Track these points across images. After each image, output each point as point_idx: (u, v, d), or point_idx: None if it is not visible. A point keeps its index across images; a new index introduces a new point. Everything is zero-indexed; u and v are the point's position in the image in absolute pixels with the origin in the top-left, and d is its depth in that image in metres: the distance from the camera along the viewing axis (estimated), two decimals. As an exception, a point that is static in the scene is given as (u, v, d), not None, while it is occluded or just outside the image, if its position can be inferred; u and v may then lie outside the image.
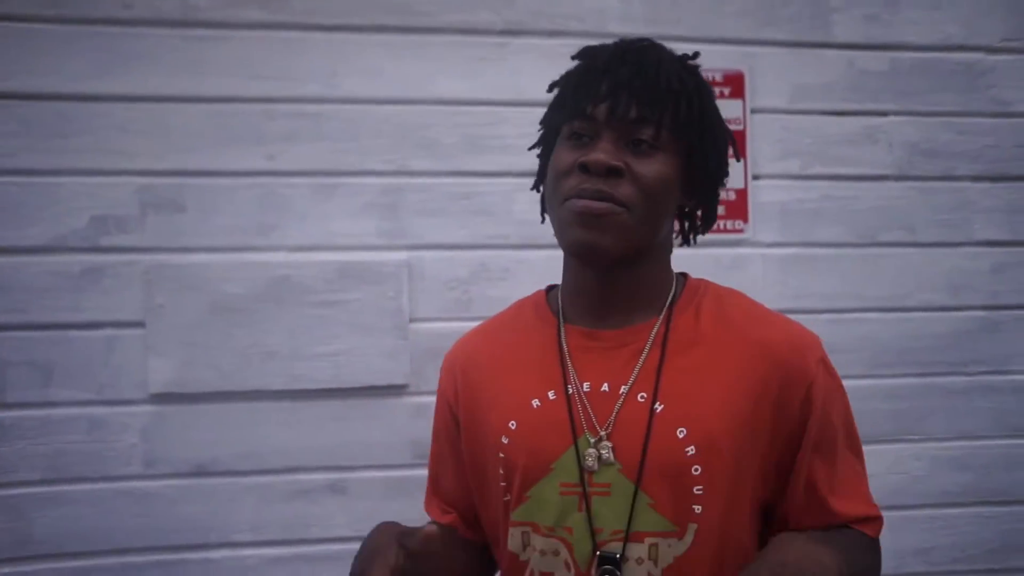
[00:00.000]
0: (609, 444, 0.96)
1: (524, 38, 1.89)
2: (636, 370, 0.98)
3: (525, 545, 1.00)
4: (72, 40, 1.75)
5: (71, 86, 1.76)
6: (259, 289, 1.81)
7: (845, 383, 1.05)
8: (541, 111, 1.07)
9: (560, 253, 1.04)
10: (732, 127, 1.92)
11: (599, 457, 0.96)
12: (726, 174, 1.05)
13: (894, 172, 2.01)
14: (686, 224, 1.09)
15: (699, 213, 1.08)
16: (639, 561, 0.94)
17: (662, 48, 1.01)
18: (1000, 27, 2.03)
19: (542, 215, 1.08)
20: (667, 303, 1.03)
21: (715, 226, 1.12)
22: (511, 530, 1.01)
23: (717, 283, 1.08)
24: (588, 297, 1.03)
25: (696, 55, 1.04)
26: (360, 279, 1.84)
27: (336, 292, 1.83)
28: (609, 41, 1.02)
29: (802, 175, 1.98)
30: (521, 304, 1.15)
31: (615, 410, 0.97)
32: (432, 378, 1.18)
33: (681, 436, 0.94)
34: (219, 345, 1.80)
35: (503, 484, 1.01)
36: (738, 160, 1.09)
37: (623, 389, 0.97)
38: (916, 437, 2.02)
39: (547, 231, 1.02)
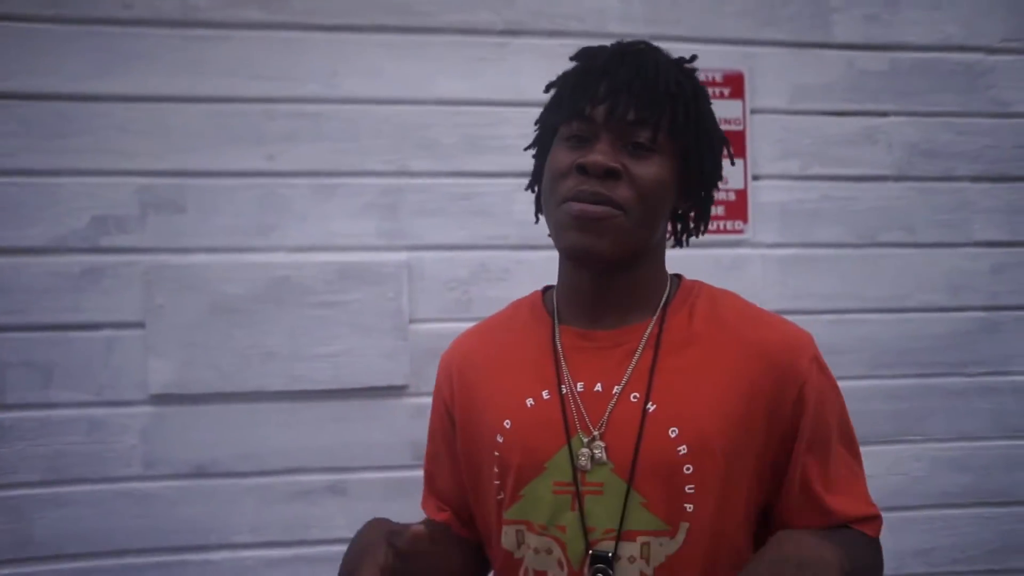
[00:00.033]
0: (602, 444, 0.96)
1: (524, 38, 1.90)
2: (629, 370, 0.98)
3: (519, 543, 1.01)
4: (72, 40, 1.76)
5: (71, 86, 1.76)
6: (259, 290, 1.81)
7: (845, 384, 1.05)
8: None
9: (559, 254, 1.04)
10: (732, 127, 1.94)
11: (592, 456, 0.96)
12: (720, 177, 1.06)
13: (894, 172, 2.01)
14: (679, 226, 1.09)
15: (692, 215, 1.09)
16: (631, 560, 0.94)
17: (659, 51, 1.02)
18: (1000, 27, 2.03)
19: (536, 215, 1.08)
20: (661, 304, 1.03)
21: (715, 226, 1.12)
22: (505, 528, 1.02)
23: (713, 284, 1.08)
24: (583, 298, 1.03)
25: (693, 58, 1.04)
26: (360, 280, 1.84)
27: (336, 293, 1.83)
28: (609, 41, 1.03)
29: (802, 175, 1.98)
30: (518, 304, 1.15)
31: (608, 410, 0.97)
32: (432, 379, 1.19)
33: (673, 436, 0.94)
34: (219, 346, 1.80)
35: (497, 483, 1.02)
36: (732, 163, 1.10)
37: (616, 389, 0.98)
38: (916, 438, 2.02)
39: (547, 232, 1.02)
